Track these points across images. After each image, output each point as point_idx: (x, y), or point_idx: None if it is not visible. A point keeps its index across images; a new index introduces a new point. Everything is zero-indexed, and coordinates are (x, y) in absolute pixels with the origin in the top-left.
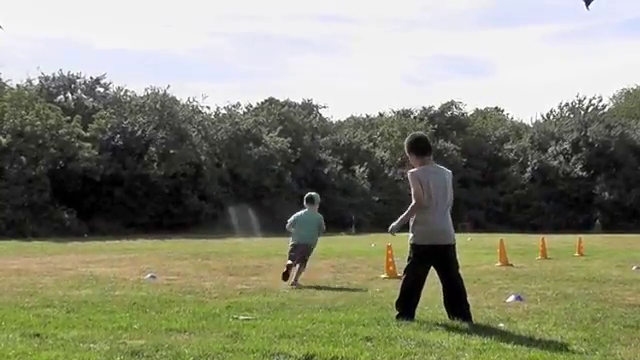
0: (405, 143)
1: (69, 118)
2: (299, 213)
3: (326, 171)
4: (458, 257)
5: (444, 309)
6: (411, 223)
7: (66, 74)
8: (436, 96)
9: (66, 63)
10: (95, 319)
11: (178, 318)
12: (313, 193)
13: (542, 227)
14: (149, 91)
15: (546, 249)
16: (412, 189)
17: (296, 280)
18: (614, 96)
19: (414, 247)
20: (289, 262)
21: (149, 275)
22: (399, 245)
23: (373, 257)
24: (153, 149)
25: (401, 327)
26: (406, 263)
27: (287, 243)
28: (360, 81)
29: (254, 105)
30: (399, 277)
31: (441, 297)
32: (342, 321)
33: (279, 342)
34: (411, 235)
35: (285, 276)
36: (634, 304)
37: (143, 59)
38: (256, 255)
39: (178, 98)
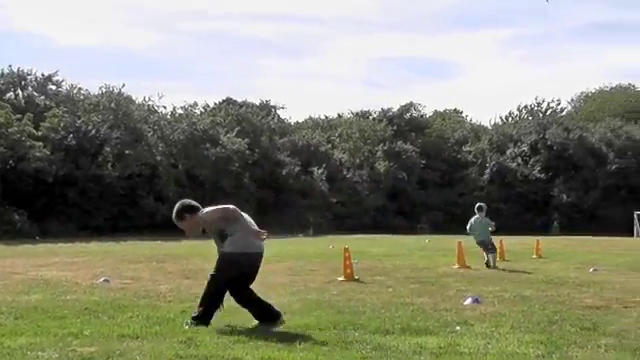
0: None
1: (19, 116)
2: (472, 219)
3: (284, 172)
4: (418, 258)
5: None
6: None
7: (16, 70)
8: (396, 98)
9: (16, 59)
10: (44, 325)
11: (131, 323)
12: (482, 203)
13: (500, 229)
14: (103, 89)
15: (504, 251)
16: None
17: (494, 265)
18: (572, 99)
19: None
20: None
21: (102, 279)
22: (357, 248)
23: (331, 260)
24: (108, 149)
25: (357, 331)
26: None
27: None
28: (319, 82)
29: (211, 105)
30: (357, 280)
31: (397, 300)
32: (298, 325)
33: (234, 347)
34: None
35: (487, 265)
36: (591, 306)
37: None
38: (213, 258)
39: (134, 97)
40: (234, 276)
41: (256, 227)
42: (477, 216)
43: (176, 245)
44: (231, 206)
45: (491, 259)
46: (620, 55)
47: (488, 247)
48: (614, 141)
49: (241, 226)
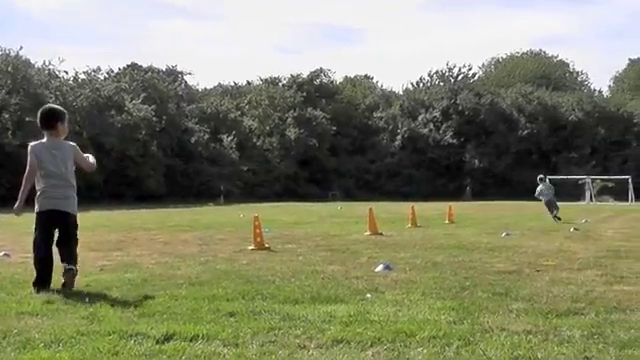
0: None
1: None
2: (541, 186)
3: (193, 140)
4: (330, 226)
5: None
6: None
7: None
8: (306, 64)
9: None
10: None
11: (31, 300)
12: (541, 175)
13: (413, 195)
14: None
15: (416, 217)
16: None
17: (556, 215)
18: (484, 65)
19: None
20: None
21: (2, 253)
22: (268, 216)
23: (241, 228)
24: (7, 116)
25: (266, 301)
26: None
27: (157, 216)
28: (228, 48)
29: (115, 70)
30: (267, 248)
31: (307, 268)
32: (205, 297)
33: (138, 322)
34: None
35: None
36: (503, 271)
37: None
38: (120, 229)
39: (33, 61)
40: None
41: None
42: (544, 183)
43: (82, 216)
44: None
45: (558, 213)
46: (531, 21)
47: (554, 205)
48: (525, 106)
49: None
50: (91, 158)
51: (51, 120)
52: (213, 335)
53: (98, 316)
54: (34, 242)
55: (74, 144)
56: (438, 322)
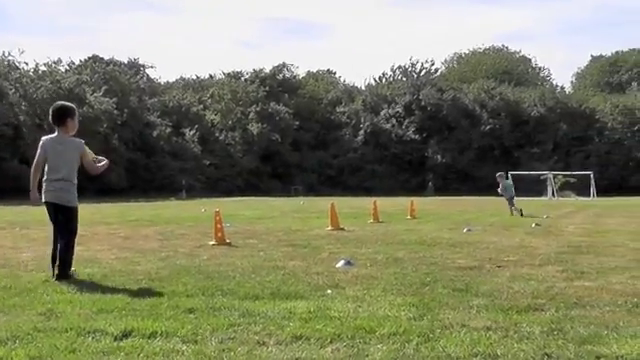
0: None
1: None
2: (504, 182)
3: (155, 134)
4: (292, 221)
5: None
6: None
7: None
8: (269, 59)
9: None
10: None
11: None
12: (502, 172)
13: (375, 190)
14: None
15: (378, 212)
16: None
17: (519, 210)
18: (446, 60)
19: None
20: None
21: None
22: (229, 211)
23: (202, 223)
24: None
25: (226, 297)
26: None
27: (118, 210)
28: (191, 42)
29: (77, 62)
30: (228, 243)
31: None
32: (165, 293)
33: (96, 318)
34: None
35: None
36: (464, 267)
37: None
38: (80, 223)
39: None
40: None
41: None
42: (507, 181)
43: (42, 210)
44: None
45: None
46: (494, 17)
47: (513, 201)
48: (487, 102)
49: None
50: (101, 164)
51: (62, 117)
52: (172, 332)
53: (56, 312)
54: None
55: (82, 141)
56: (398, 318)
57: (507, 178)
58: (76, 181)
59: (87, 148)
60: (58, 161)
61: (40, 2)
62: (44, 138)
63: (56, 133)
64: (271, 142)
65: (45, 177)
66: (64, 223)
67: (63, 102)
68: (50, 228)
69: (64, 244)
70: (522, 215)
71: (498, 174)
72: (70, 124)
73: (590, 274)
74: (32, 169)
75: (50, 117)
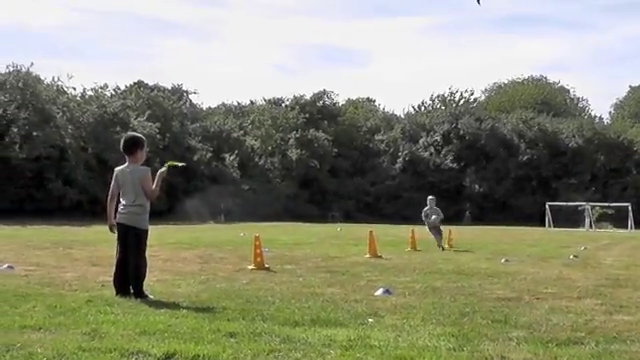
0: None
1: None
2: (426, 208)
3: (195, 158)
4: (329, 247)
5: None
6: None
7: None
8: (309, 85)
9: None
10: None
11: (34, 314)
12: (431, 197)
13: (412, 218)
14: (11, 68)
15: (416, 241)
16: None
17: (441, 245)
18: (485, 89)
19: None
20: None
21: (6, 265)
22: (268, 235)
23: (241, 247)
24: (15, 130)
25: (266, 322)
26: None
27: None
28: (232, 68)
29: (122, 88)
30: (267, 268)
31: (307, 290)
32: (206, 316)
33: (139, 339)
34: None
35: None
36: (502, 298)
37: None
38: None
39: (42, 77)
40: None
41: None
42: (430, 205)
43: (84, 231)
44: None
45: (442, 241)
46: (533, 47)
47: (439, 231)
48: (525, 132)
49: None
50: (157, 187)
51: (132, 147)
52: (214, 355)
53: (100, 332)
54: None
55: (147, 169)
56: (438, 349)
57: (432, 202)
58: (148, 206)
59: (149, 174)
60: (128, 187)
61: (89, 29)
62: (116, 169)
63: (127, 163)
64: (310, 168)
65: (120, 201)
66: (134, 244)
67: (134, 133)
68: (115, 248)
69: (134, 265)
70: (442, 249)
71: (429, 198)
72: (139, 154)
73: (629, 308)
74: (108, 199)
75: (121, 147)
